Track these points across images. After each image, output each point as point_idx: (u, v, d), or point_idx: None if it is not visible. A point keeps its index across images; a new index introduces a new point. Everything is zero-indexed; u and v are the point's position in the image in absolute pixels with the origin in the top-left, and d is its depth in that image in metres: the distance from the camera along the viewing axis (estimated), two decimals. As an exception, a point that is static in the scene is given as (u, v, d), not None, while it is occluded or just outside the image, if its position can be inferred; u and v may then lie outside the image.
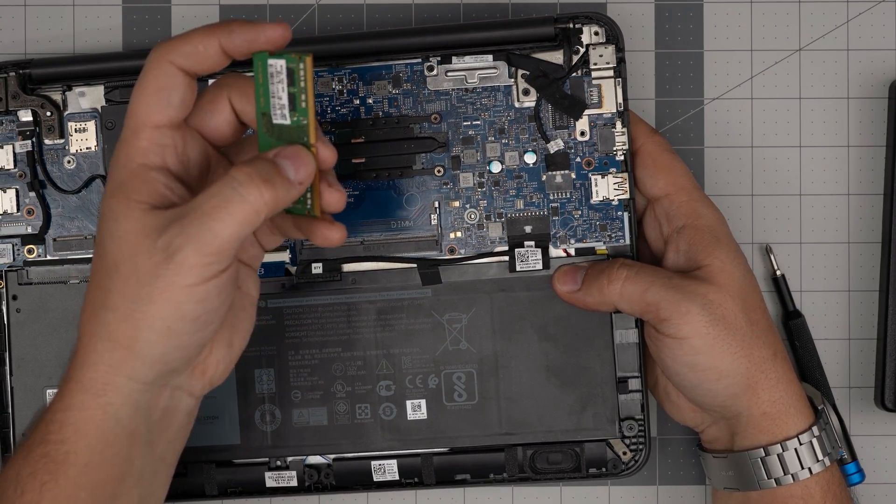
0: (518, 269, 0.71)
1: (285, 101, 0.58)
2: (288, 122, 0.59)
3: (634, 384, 0.70)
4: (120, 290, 0.56)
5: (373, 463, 0.71)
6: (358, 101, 0.71)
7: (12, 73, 0.71)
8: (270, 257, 0.71)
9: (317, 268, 0.71)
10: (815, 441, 0.66)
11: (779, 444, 0.66)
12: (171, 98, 0.58)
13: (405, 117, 0.71)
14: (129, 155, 0.58)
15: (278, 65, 0.58)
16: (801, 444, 0.66)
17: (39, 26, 0.74)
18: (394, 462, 0.71)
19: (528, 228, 0.71)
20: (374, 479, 0.71)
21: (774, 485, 0.66)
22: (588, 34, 0.70)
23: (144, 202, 0.57)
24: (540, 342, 0.70)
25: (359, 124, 0.71)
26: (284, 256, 0.71)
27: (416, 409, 0.71)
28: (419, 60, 0.71)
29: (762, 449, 0.66)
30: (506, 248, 0.71)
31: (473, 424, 0.71)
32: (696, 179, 0.74)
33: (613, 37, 0.70)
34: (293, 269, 0.71)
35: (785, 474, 0.66)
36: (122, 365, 0.57)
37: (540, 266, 0.70)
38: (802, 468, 0.66)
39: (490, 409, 0.71)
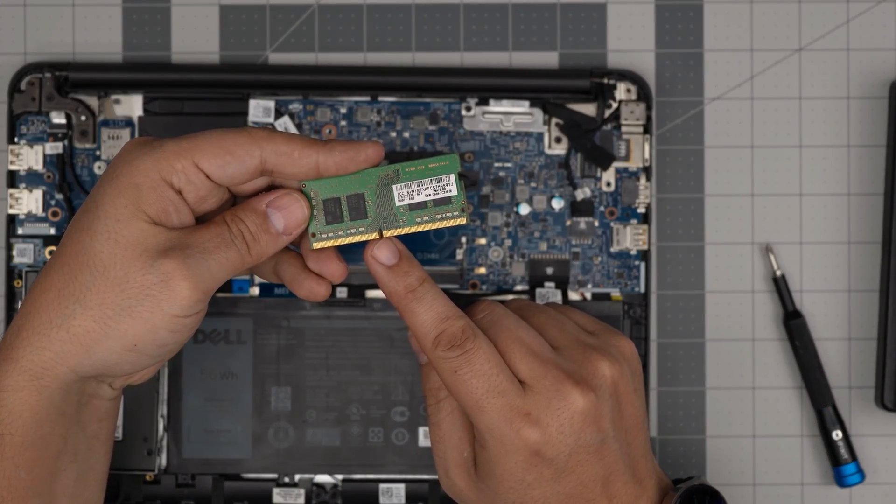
0: None
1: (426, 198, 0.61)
2: (404, 217, 0.61)
3: None
4: (101, 293, 0.58)
5: (381, 486, 0.74)
6: (394, 134, 0.74)
7: (48, 75, 0.74)
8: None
9: (341, 292, 0.73)
10: None
11: None
12: (231, 170, 0.59)
13: (439, 153, 0.74)
14: (160, 168, 0.59)
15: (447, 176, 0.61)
16: None
17: (39, 26, 0.76)
18: (402, 486, 0.74)
19: (549, 270, 0.74)
20: (381, 502, 0.74)
21: None
22: (621, 90, 0.74)
23: (151, 216, 0.59)
24: None
25: (394, 156, 0.74)
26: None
27: (428, 437, 0.73)
28: (458, 100, 0.74)
29: None
30: (527, 287, 0.74)
31: None
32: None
33: (644, 95, 0.73)
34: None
35: None
36: (71, 359, 0.59)
37: None
38: None
39: None
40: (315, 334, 0.74)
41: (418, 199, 0.61)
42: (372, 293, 0.74)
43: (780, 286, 0.75)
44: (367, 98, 0.75)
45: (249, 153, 0.59)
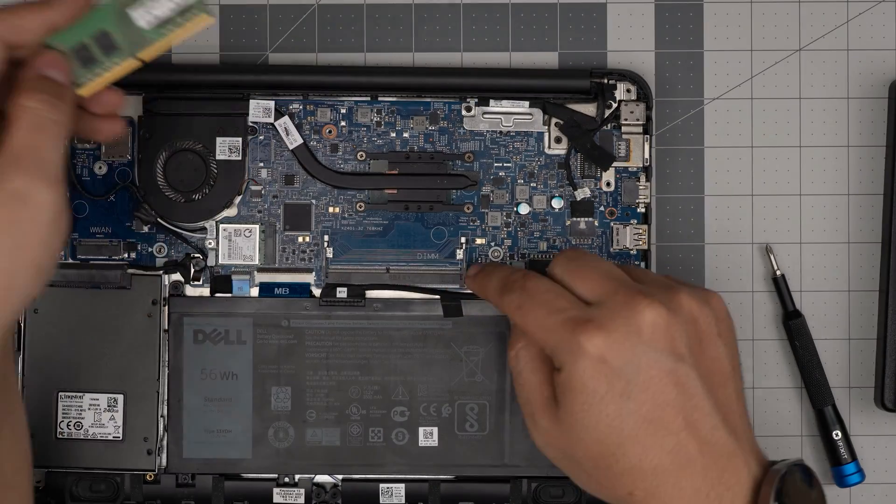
0: None
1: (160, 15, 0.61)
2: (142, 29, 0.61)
3: None
4: None
5: (381, 486, 0.74)
6: (394, 134, 0.74)
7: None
8: (296, 278, 0.74)
9: (341, 292, 0.74)
10: None
11: None
12: None
13: (439, 153, 0.75)
14: None
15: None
16: None
17: (39, 26, 0.76)
18: (402, 486, 0.74)
19: None
20: (381, 502, 0.74)
21: None
22: (621, 90, 0.74)
23: None
24: None
25: (393, 156, 0.74)
26: (310, 278, 0.74)
27: (428, 436, 0.74)
28: (458, 100, 0.74)
29: None
30: None
31: (482, 455, 0.74)
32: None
33: (644, 95, 0.74)
34: (317, 292, 0.74)
35: None
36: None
37: None
38: None
39: (499, 440, 0.74)
40: (315, 334, 0.74)
41: (158, 13, 0.62)
42: (372, 293, 0.74)
43: (780, 286, 0.75)
44: (367, 98, 0.75)
45: None
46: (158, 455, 0.73)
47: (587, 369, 0.63)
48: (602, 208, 0.75)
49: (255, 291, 0.75)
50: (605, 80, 0.75)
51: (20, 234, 0.57)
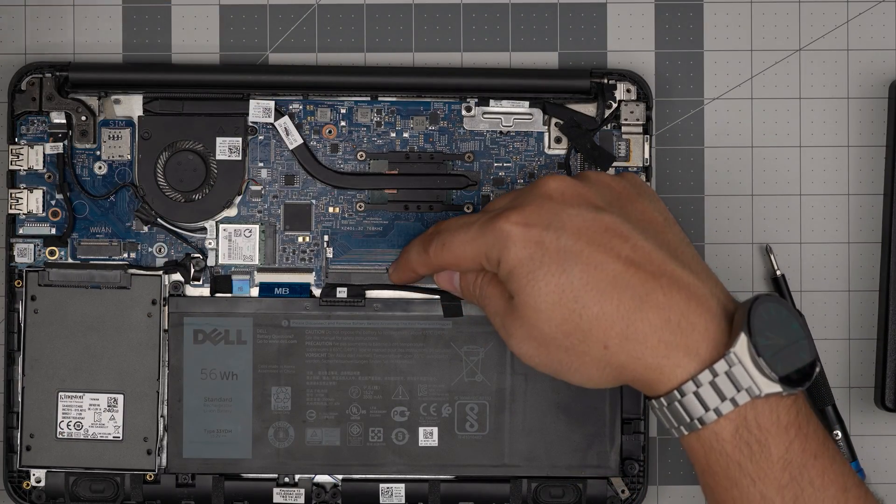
0: None
1: None
2: None
3: (638, 425, 0.74)
4: None
5: (381, 486, 0.74)
6: (394, 134, 0.75)
7: (48, 75, 0.74)
8: (296, 279, 0.74)
9: (341, 292, 0.74)
10: (690, 397, 0.63)
11: (662, 398, 0.64)
12: None
13: (439, 153, 0.75)
14: None
15: None
16: (682, 395, 0.63)
17: (39, 26, 0.76)
18: (402, 486, 0.74)
19: None
20: (381, 502, 0.74)
21: (679, 433, 0.65)
22: (621, 90, 0.74)
23: None
24: (552, 380, 0.73)
25: (393, 156, 0.75)
26: (310, 279, 0.74)
27: (428, 436, 0.74)
28: (458, 100, 0.74)
29: (653, 401, 0.65)
30: None
31: (482, 454, 0.74)
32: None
33: (644, 95, 0.74)
34: (317, 292, 0.75)
35: (677, 426, 0.64)
36: None
37: None
38: (691, 420, 0.64)
39: (499, 440, 0.74)
40: (315, 334, 0.74)
41: None
42: (372, 293, 0.75)
43: (780, 286, 0.76)
44: (367, 98, 0.75)
45: None
46: (158, 455, 0.74)
47: (516, 242, 0.65)
48: (602, 208, 0.75)
49: (255, 291, 0.75)
50: (605, 80, 0.75)
51: None
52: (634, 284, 0.64)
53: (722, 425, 0.63)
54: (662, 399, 0.64)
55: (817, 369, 0.65)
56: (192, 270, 0.75)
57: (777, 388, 0.63)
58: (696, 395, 0.63)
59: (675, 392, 0.64)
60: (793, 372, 0.64)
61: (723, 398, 0.63)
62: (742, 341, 0.63)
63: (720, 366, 0.63)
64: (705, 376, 0.63)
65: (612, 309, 0.64)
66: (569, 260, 0.64)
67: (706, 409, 0.63)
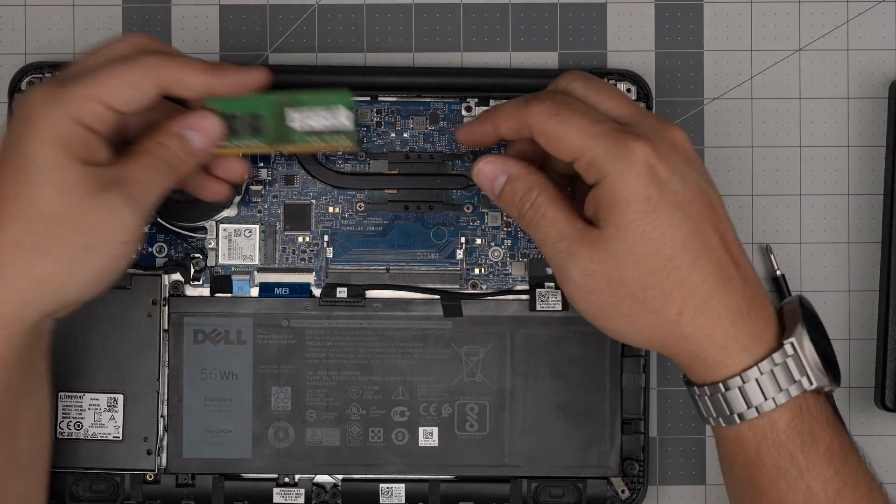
0: (538, 308, 0.74)
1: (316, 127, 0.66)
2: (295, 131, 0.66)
3: (638, 425, 0.74)
4: (59, 238, 0.62)
5: (381, 486, 0.74)
6: (394, 134, 0.75)
7: (48, 75, 0.74)
8: (296, 279, 0.74)
9: (341, 292, 0.74)
10: (752, 384, 0.64)
11: (720, 384, 0.65)
12: (136, 103, 0.64)
13: (439, 153, 0.75)
14: (74, 113, 0.62)
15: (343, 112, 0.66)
16: (744, 382, 0.64)
17: (39, 26, 0.76)
18: (402, 486, 0.74)
19: (549, 270, 0.75)
20: (381, 502, 0.74)
21: (730, 422, 0.65)
22: (622, 90, 0.74)
23: (84, 159, 0.62)
24: (553, 380, 0.74)
25: (393, 156, 0.75)
26: (310, 278, 0.74)
27: (429, 436, 0.74)
28: (458, 100, 0.75)
29: (706, 387, 0.65)
30: (527, 287, 0.75)
31: (482, 454, 0.74)
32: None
33: (644, 95, 0.74)
34: (317, 292, 0.75)
35: (730, 414, 0.65)
36: (39, 302, 0.63)
37: (559, 307, 0.74)
38: (749, 407, 0.64)
39: (499, 440, 0.74)
40: (315, 334, 0.74)
41: (313, 125, 0.67)
42: (372, 293, 0.75)
43: (780, 286, 0.76)
44: (367, 98, 0.75)
45: (151, 84, 0.64)
46: (158, 455, 0.74)
47: (641, 175, 0.63)
48: (602, 208, 0.75)
49: (255, 291, 0.75)
50: (605, 80, 0.75)
51: (96, 239, 0.62)
52: (722, 265, 0.64)
53: (780, 413, 0.64)
54: (720, 384, 0.64)
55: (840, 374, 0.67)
56: (192, 270, 0.75)
57: (825, 380, 0.65)
58: (758, 381, 0.64)
59: (739, 377, 0.64)
60: (832, 366, 0.66)
61: (780, 388, 0.64)
62: (800, 332, 0.64)
63: (779, 356, 0.64)
64: (767, 364, 0.64)
65: (699, 280, 0.64)
66: (680, 216, 0.63)
67: (765, 397, 0.64)
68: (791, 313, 0.66)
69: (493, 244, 0.75)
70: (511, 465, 0.74)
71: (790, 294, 0.76)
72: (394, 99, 0.75)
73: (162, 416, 0.74)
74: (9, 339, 0.63)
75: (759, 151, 0.77)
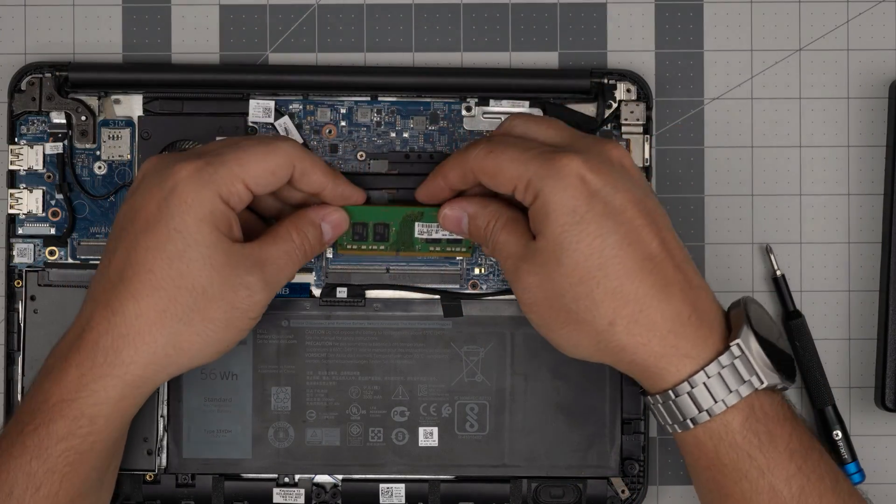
0: None
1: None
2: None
3: (638, 425, 0.74)
4: (203, 312, 0.66)
5: (381, 486, 0.74)
6: (394, 134, 0.75)
7: (48, 75, 0.74)
8: (296, 278, 0.74)
9: (341, 292, 0.74)
10: (700, 388, 0.65)
11: (669, 391, 0.65)
12: (271, 187, 0.68)
13: (439, 153, 0.75)
14: (222, 193, 0.66)
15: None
16: (692, 387, 0.65)
17: (39, 26, 0.76)
18: (402, 486, 0.74)
19: None
20: (381, 502, 0.74)
21: (685, 427, 0.66)
22: (621, 90, 0.74)
23: (228, 236, 0.66)
24: (552, 380, 0.74)
25: (393, 156, 0.75)
26: (310, 278, 0.74)
27: (429, 436, 0.74)
28: (458, 100, 0.75)
29: (657, 395, 0.66)
30: None
31: (482, 454, 0.74)
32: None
33: (644, 95, 0.74)
34: (318, 292, 0.75)
35: (683, 419, 0.65)
36: (172, 368, 0.67)
37: None
38: (700, 411, 0.65)
39: (499, 440, 0.74)
40: (315, 334, 0.74)
41: (435, 236, 0.72)
42: (372, 293, 0.75)
43: (780, 286, 0.76)
44: (367, 98, 0.75)
45: (287, 173, 0.68)
46: (158, 455, 0.74)
47: (567, 188, 0.65)
48: (602, 208, 0.75)
49: (254, 291, 0.75)
50: (605, 80, 0.75)
51: (233, 314, 0.66)
52: (658, 273, 0.65)
53: (732, 415, 0.65)
54: (669, 392, 0.65)
55: (797, 370, 0.67)
56: (193, 270, 0.75)
57: (776, 378, 0.65)
58: (706, 385, 0.65)
59: (686, 383, 0.65)
60: (784, 365, 0.66)
61: (729, 389, 0.65)
62: (746, 332, 0.65)
63: (726, 357, 0.65)
64: (713, 367, 0.65)
65: (631, 289, 0.64)
66: (609, 226, 0.64)
67: (715, 399, 0.65)
68: (737, 315, 0.67)
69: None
70: (511, 465, 0.74)
71: (790, 294, 0.75)
72: (394, 99, 0.75)
73: (162, 416, 0.74)
74: (139, 399, 0.67)
75: (759, 151, 0.77)
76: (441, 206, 0.71)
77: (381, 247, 0.72)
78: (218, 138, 0.74)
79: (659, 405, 0.66)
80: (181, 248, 0.65)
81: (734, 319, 0.67)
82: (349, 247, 0.72)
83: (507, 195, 0.68)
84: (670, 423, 0.66)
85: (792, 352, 0.68)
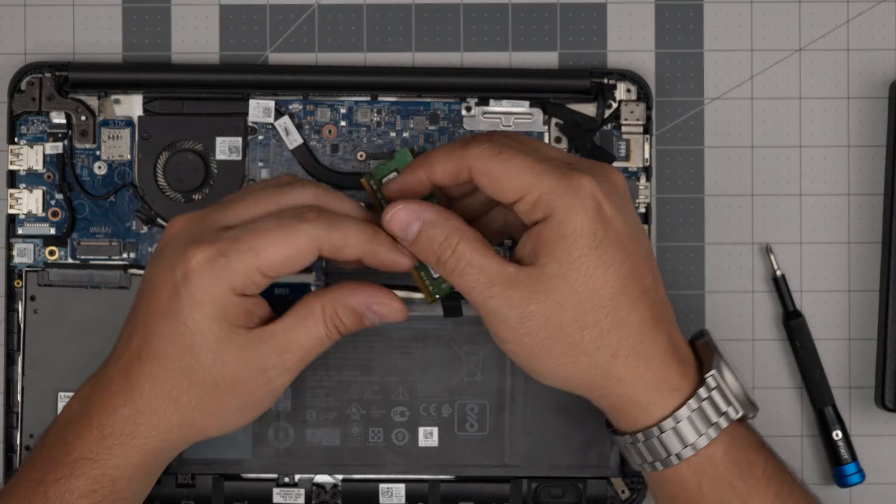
0: None
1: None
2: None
3: None
4: (217, 402, 0.65)
5: (381, 486, 0.74)
6: (394, 134, 0.75)
7: (48, 75, 0.74)
8: (296, 279, 0.74)
9: None
10: (685, 422, 0.64)
11: (654, 427, 0.65)
12: (295, 268, 0.64)
13: None
14: (235, 286, 0.63)
15: None
16: (677, 422, 0.64)
17: (39, 26, 0.76)
18: (402, 486, 0.74)
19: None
20: (381, 502, 0.74)
21: (668, 464, 0.65)
22: (621, 90, 0.74)
23: (244, 327, 0.64)
24: None
25: (393, 156, 0.74)
26: (310, 278, 0.74)
27: (429, 436, 0.74)
28: (458, 100, 0.75)
29: (638, 434, 0.65)
30: None
31: (482, 454, 0.74)
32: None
33: (644, 95, 0.74)
34: (318, 292, 0.75)
35: (667, 456, 0.65)
36: (188, 442, 0.67)
37: None
38: (685, 446, 0.65)
39: (499, 440, 0.74)
40: None
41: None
42: (372, 293, 0.75)
43: (780, 286, 0.76)
44: (367, 98, 0.75)
45: (313, 254, 0.64)
46: (158, 455, 0.74)
47: (588, 210, 0.62)
48: (602, 208, 0.75)
49: (255, 291, 0.75)
50: (605, 80, 0.75)
51: (249, 401, 0.65)
52: (653, 307, 0.65)
53: (715, 447, 0.65)
54: (654, 429, 0.65)
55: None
56: (193, 270, 0.75)
57: (749, 408, 0.66)
58: (690, 419, 0.65)
59: (671, 419, 0.65)
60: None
61: (709, 423, 0.65)
62: (719, 363, 0.65)
63: (704, 390, 0.65)
64: (695, 401, 0.65)
65: (636, 320, 0.64)
66: (621, 256, 0.63)
67: (698, 433, 0.64)
68: (704, 347, 0.67)
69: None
70: (511, 465, 0.74)
71: (790, 294, 0.75)
72: (394, 99, 0.75)
73: (162, 416, 0.74)
74: (161, 463, 0.67)
75: (759, 151, 0.77)
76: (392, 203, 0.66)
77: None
78: (218, 139, 0.74)
79: (640, 444, 0.65)
80: (190, 344, 0.64)
81: (702, 351, 0.67)
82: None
83: (482, 208, 0.67)
84: (651, 461, 0.65)
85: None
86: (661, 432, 0.65)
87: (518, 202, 0.63)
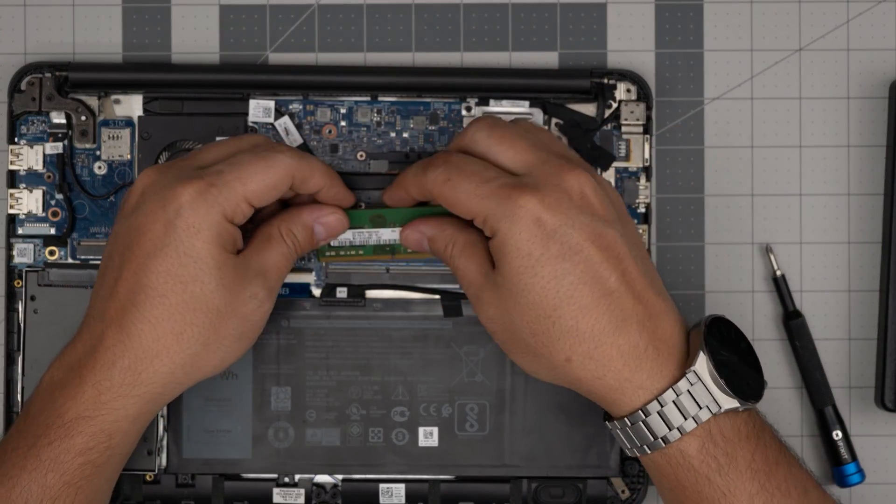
0: None
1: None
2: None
3: None
4: (218, 329, 0.67)
5: (381, 486, 0.74)
6: (394, 134, 0.75)
7: (48, 75, 0.74)
8: (296, 278, 0.74)
9: (341, 292, 0.74)
10: (668, 409, 0.65)
11: (626, 419, 0.66)
12: (273, 198, 0.68)
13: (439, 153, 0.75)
14: (226, 212, 0.66)
15: None
16: (646, 416, 0.65)
17: (39, 26, 0.76)
18: (402, 486, 0.75)
19: None
20: (381, 502, 0.74)
21: (643, 452, 0.67)
22: (621, 90, 0.74)
23: (233, 252, 0.67)
24: None
25: (393, 156, 0.75)
26: (310, 278, 0.74)
27: (429, 436, 0.74)
28: (458, 100, 0.75)
29: (615, 422, 0.67)
30: None
31: (482, 454, 0.74)
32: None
33: (644, 95, 0.74)
34: (317, 292, 0.74)
35: (641, 445, 0.66)
36: (188, 382, 0.68)
37: None
38: (655, 439, 0.66)
39: (499, 440, 0.74)
40: (315, 334, 0.74)
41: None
42: (372, 293, 0.75)
43: (780, 286, 0.76)
44: (367, 98, 0.75)
45: (287, 184, 0.68)
46: (158, 455, 0.74)
47: (523, 231, 0.65)
48: (602, 208, 0.75)
49: (254, 291, 0.75)
50: (605, 80, 0.75)
51: (246, 327, 0.68)
52: (614, 309, 0.65)
53: (687, 442, 0.65)
54: (626, 419, 0.66)
55: (766, 385, 0.67)
56: (193, 270, 0.75)
57: (735, 402, 0.65)
58: (661, 414, 0.65)
59: (640, 412, 0.65)
60: (745, 386, 0.66)
61: (686, 416, 0.65)
62: (701, 360, 0.65)
63: (682, 385, 0.65)
64: (669, 395, 0.65)
65: (587, 328, 0.65)
66: (565, 267, 0.65)
67: (670, 427, 0.65)
68: (695, 339, 0.67)
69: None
70: (511, 465, 0.74)
71: (790, 294, 0.76)
72: (394, 99, 0.75)
73: (162, 416, 0.74)
74: (154, 412, 0.68)
75: (759, 151, 0.77)
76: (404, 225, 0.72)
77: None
78: (218, 138, 0.74)
79: (618, 430, 0.67)
80: (193, 273, 0.66)
81: (692, 344, 0.67)
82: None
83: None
84: (629, 447, 0.67)
85: (759, 367, 0.68)
86: (632, 424, 0.66)
87: (474, 221, 0.67)
